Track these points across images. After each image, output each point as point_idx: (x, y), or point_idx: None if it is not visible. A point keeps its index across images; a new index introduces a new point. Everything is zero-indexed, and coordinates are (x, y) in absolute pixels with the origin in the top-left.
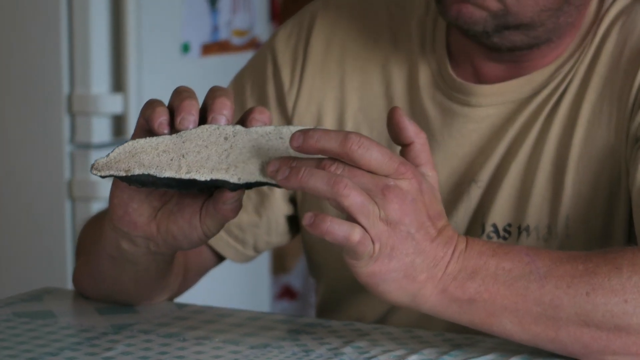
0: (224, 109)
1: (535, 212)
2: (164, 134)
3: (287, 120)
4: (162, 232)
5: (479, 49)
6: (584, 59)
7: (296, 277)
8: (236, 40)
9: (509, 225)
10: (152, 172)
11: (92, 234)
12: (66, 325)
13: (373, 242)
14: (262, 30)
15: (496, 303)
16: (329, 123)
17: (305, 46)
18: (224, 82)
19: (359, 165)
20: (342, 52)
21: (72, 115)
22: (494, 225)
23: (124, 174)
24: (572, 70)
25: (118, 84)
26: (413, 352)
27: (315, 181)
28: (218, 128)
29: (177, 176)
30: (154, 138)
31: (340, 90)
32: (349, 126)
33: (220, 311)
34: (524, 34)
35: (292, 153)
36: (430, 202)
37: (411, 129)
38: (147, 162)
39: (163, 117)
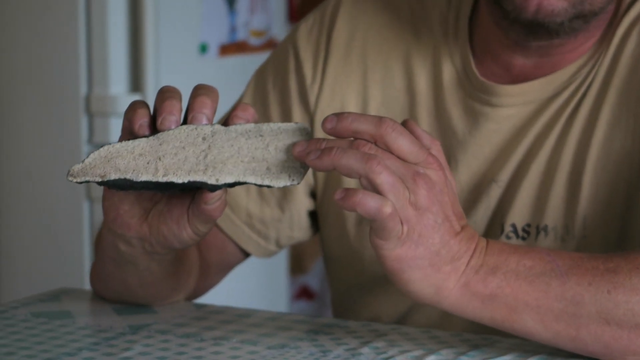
0: (204, 108)
1: (554, 213)
2: (145, 136)
3: (310, 114)
4: (154, 233)
5: (508, 45)
6: (604, 60)
7: (314, 278)
8: (254, 41)
9: (528, 225)
10: (128, 176)
11: (99, 238)
12: (84, 326)
13: (402, 224)
14: (279, 30)
15: (518, 299)
16: None
17: (327, 40)
18: (242, 82)
19: (391, 150)
20: (364, 46)
21: (90, 115)
22: (513, 225)
23: (100, 180)
24: (593, 71)
25: (136, 84)
26: (431, 352)
27: (349, 159)
28: (196, 128)
29: (154, 179)
30: (130, 141)
31: (362, 84)
32: None
33: (238, 311)
34: (585, 20)
35: (272, 150)
36: (454, 199)
37: (425, 137)
38: (123, 166)
39: (144, 119)
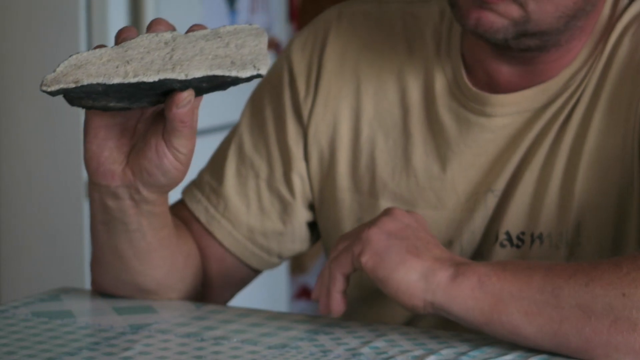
0: (159, 25)
1: (548, 220)
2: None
3: (303, 128)
4: (137, 174)
5: (491, 53)
6: (597, 66)
7: (314, 277)
8: None
9: (522, 233)
10: (100, 80)
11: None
12: (84, 325)
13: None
14: (280, 30)
15: (503, 288)
16: (345, 131)
17: (320, 55)
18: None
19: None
20: (357, 60)
21: None
22: (507, 233)
23: (74, 86)
24: (586, 78)
25: None
26: (431, 352)
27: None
28: (157, 35)
29: (126, 81)
30: (97, 50)
31: (355, 98)
32: (365, 134)
33: (239, 311)
34: (539, 38)
35: (232, 47)
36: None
37: None
38: (94, 71)
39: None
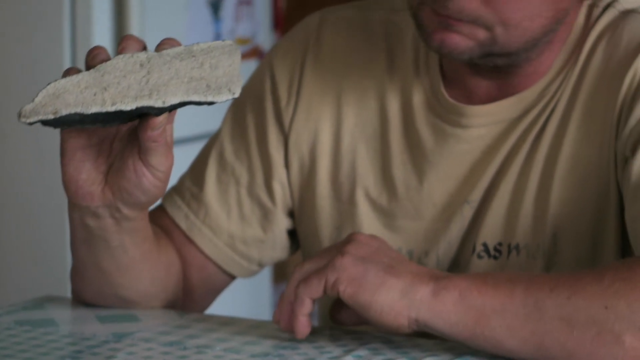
0: (131, 40)
1: (525, 231)
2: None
3: (284, 135)
4: (117, 193)
5: (466, 67)
6: (571, 75)
7: None
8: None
9: (500, 244)
10: (78, 110)
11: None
12: (67, 334)
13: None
14: (265, 38)
15: (485, 302)
16: (326, 139)
17: (302, 62)
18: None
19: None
20: (339, 68)
21: None
22: (485, 245)
23: (52, 117)
24: (561, 87)
25: None
26: None
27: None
28: (132, 56)
29: (104, 110)
30: (74, 76)
31: (337, 106)
32: (346, 142)
33: (222, 319)
34: (507, 58)
35: (207, 68)
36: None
37: None
38: (72, 100)
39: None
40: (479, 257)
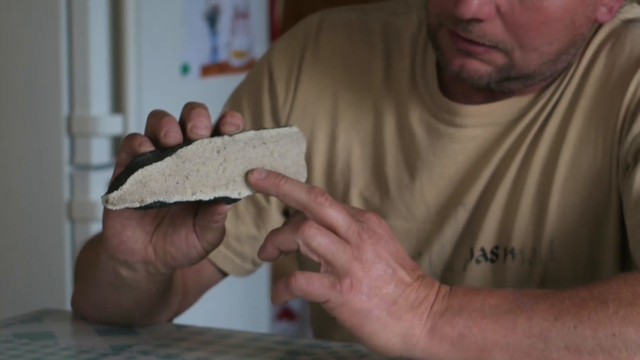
0: (201, 116)
1: (521, 235)
2: (166, 154)
3: None
4: (160, 255)
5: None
6: (571, 82)
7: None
8: (235, 62)
9: (496, 247)
10: (161, 198)
11: (89, 261)
12: (66, 347)
13: (346, 278)
14: (261, 51)
15: (486, 337)
16: (321, 138)
17: (300, 61)
18: (223, 102)
19: (319, 219)
20: (336, 68)
21: (72, 136)
22: (482, 249)
23: (138, 205)
24: (558, 91)
25: (118, 105)
26: None
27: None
28: (210, 142)
29: (185, 199)
30: (159, 163)
31: (333, 105)
32: (341, 141)
33: (220, 332)
34: (521, 82)
35: (276, 157)
36: (404, 252)
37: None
38: (157, 189)
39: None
40: (477, 261)
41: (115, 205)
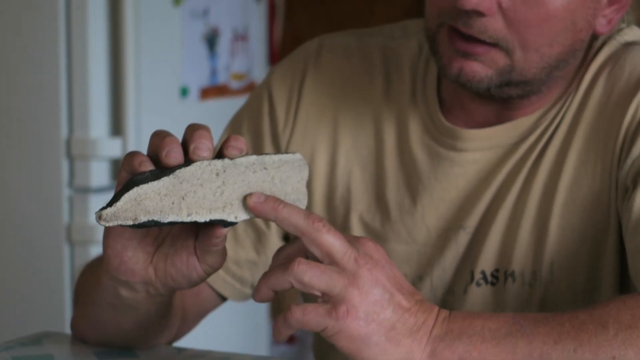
0: (203, 138)
1: (521, 258)
2: (164, 174)
3: None
4: (161, 276)
5: (469, 94)
6: (571, 105)
7: None
8: (235, 84)
9: (497, 270)
10: (156, 218)
11: (89, 283)
12: None
13: (342, 304)
14: (260, 74)
15: None
16: (322, 163)
17: (300, 86)
18: (223, 125)
19: (316, 245)
20: (336, 92)
21: (71, 159)
22: (483, 272)
23: (132, 223)
24: (559, 115)
25: (117, 127)
26: None
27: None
28: (209, 164)
29: (179, 219)
30: (155, 182)
31: (333, 128)
32: (341, 165)
33: (220, 355)
34: (521, 88)
35: (277, 183)
36: (401, 277)
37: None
38: (152, 208)
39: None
40: (477, 284)
41: (108, 221)
